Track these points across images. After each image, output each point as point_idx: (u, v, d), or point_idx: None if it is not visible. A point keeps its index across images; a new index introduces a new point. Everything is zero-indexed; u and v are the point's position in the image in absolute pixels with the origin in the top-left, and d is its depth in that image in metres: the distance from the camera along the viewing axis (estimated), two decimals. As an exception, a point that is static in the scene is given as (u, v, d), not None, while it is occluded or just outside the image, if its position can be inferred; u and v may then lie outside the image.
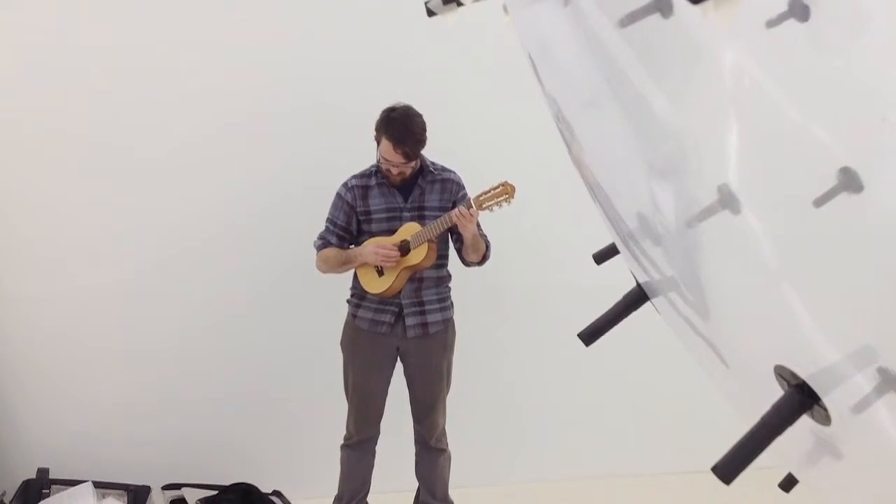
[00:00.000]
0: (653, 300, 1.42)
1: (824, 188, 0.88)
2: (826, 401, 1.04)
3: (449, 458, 4.38)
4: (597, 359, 5.02)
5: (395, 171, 3.98)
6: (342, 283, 4.24)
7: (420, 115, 3.95)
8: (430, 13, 1.11)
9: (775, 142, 0.97)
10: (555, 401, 5.15)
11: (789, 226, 1.01)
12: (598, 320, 1.47)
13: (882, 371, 0.95)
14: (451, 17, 1.10)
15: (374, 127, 3.97)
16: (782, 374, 1.06)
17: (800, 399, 1.04)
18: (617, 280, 2.17)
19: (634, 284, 1.46)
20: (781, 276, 1.07)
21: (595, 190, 1.40)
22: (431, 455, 4.34)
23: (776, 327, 1.09)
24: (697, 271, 1.20)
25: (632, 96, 1.18)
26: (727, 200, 1.04)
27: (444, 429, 4.33)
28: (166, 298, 4.66)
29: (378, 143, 3.96)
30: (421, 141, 3.92)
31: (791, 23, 0.86)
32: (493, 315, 4.99)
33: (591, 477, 5.13)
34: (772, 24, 0.89)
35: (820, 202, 0.89)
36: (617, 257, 1.63)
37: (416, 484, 4.42)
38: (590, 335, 1.47)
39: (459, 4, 1.07)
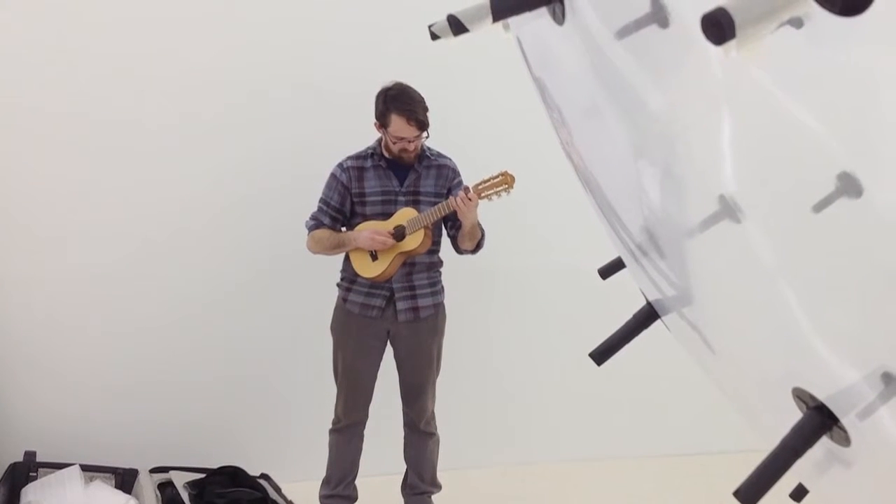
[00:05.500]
0: (663, 318, 1.41)
1: (823, 193, 0.87)
2: (845, 422, 1.04)
3: (438, 442, 4.39)
4: (585, 343, 5.05)
5: (410, 147, 3.95)
6: (331, 266, 4.23)
7: (412, 87, 3.95)
8: (434, 37, 1.09)
9: (774, 148, 0.97)
10: (543, 384, 5.17)
11: (791, 235, 1.00)
12: (609, 339, 1.46)
13: (886, 377, 0.95)
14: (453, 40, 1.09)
15: (374, 115, 3.95)
16: (801, 396, 1.06)
17: (820, 420, 1.04)
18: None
19: (644, 303, 1.45)
20: (787, 291, 1.06)
21: (600, 203, 1.39)
22: (420, 438, 4.35)
23: (789, 348, 1.09)
24: (704, 288, 1.20)
25: (631, 104, 1.17)
26: (728, 210, 1.04)
27: (433, 412, 4.34)
28: (154, 281, 4.63)
29: (386, 126, 3.92)
30: (426, 108, 3.91)
31: (787, 28, 0.86)
32: (484, 299, 5.00)
33: (579, 459, 5.16)
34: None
35: (819, 207, 0.88)
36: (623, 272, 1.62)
37: (405, 467, 4.42)
38: (601, 354, 1.46)
39: (466, 31, 1.05)
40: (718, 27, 0.78)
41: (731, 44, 0.80)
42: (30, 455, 4.30)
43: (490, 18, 1.04)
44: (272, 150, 4.68)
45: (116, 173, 4.50)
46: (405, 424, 4.37)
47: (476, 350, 5.02)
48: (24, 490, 4.10)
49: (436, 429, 4.38)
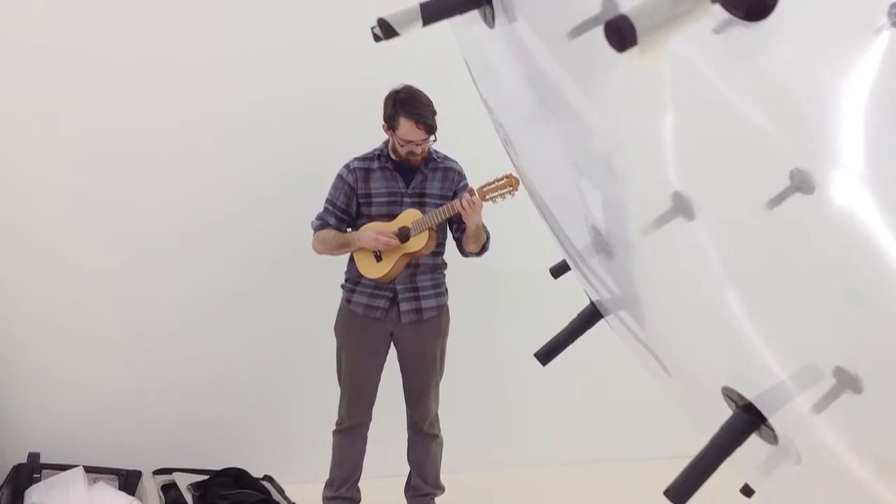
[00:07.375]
0: (606, 318, 1.42)
1: (777, 190, 0.87)
2: (772, 421, 1.04)
3: (441, 444, 4.39)
4: (589, 345, 5.03)
5: (418, 150, 3.96)
6: (335, 268, 4.23)
7: (421, 90, 3.96)
8: (377, 38, 1.10)
9: (726, 145, 0.97)
10: (547, 387, 5.15)
11: (744, 232, 1.00)
12: (553, 339, 1.46)
13: (838, 371, 0.95)
14: (397, 42, 1.09)
15: (382, 117, 3.97)
16: (730, 395, 1.06)
17: (748, 419, 1.04)
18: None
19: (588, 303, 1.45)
20: (729, 288, 1.06)
21: (542, 209, 1.39)
22: (424, 440, 4.35)
23: (723, 346, 1.09)
24: (644, 290, 1.19)
25: (569, 111, 1.17)
26: (682, 207, 1.04)
27: (436, 414, 4.34)
28: (158, 283, 4.66)
29: (394, 129, 3.93)
30: (435, 111, 3.92)
31: (735, 26, 0.86)
32: (487, 301, 4.99)
33: (583, 462, 5.14)
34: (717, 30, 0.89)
35: (773, 204, 0.89)
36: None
37: (408, 469, 4.43)
38: (546, 354, 1.46)
39: (397, 34, 1.05)
40: (620, 34, 0.79)
41: (634, 51, 0.80)
42: (33, 456, 4.32)
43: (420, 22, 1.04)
44: (275, 152, 4.70)
45: (120, 177, 4.53)
46: (409, 426, 4.37)
47: (480, 352, 5.01)
48: (27, 492, 4.11)
49: (439, 431, 4.37)
